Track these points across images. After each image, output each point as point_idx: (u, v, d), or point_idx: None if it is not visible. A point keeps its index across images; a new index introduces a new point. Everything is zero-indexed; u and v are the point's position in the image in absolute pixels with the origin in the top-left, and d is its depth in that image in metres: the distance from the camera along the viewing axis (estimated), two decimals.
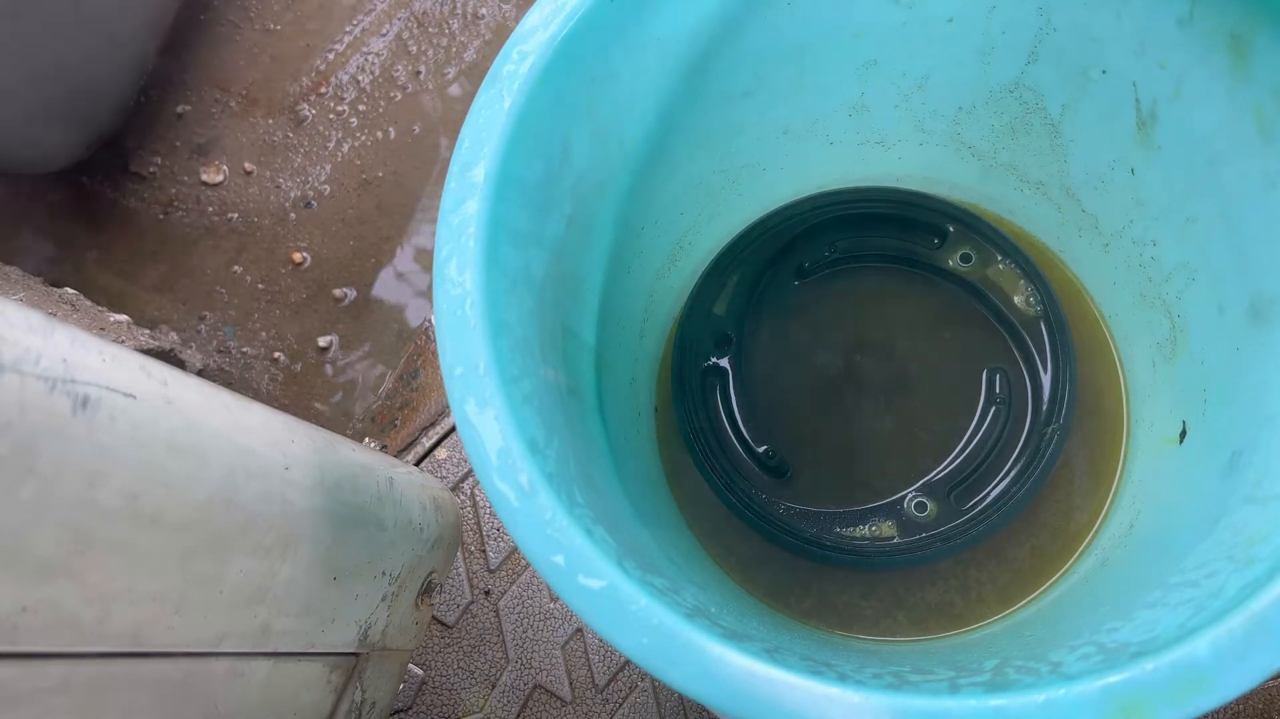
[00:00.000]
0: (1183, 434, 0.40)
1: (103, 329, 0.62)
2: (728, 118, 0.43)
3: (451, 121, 0.77)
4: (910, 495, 0.45)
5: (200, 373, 0.68)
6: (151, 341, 0.64)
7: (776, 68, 0.42)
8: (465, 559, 0.61)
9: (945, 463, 0.46)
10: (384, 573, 0.44)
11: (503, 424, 0.29)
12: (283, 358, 0.72)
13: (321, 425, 0.44)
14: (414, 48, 0.79)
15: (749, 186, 0.48)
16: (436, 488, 0.51)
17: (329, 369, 0.71)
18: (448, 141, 0.76)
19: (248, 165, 0.77)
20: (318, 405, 0.70)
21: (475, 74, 0.78)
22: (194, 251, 0.76)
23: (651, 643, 0.26)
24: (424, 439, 0.65)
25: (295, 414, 0.43)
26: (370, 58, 0.79)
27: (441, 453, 0.64)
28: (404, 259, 0.74)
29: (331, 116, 0.78)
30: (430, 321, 0.69)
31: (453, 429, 0.64)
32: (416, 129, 0.77)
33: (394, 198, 0.76)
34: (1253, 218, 0.36)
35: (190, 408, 0.31)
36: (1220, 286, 0.38)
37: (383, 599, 0.45)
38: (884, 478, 0.46)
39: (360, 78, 0.79)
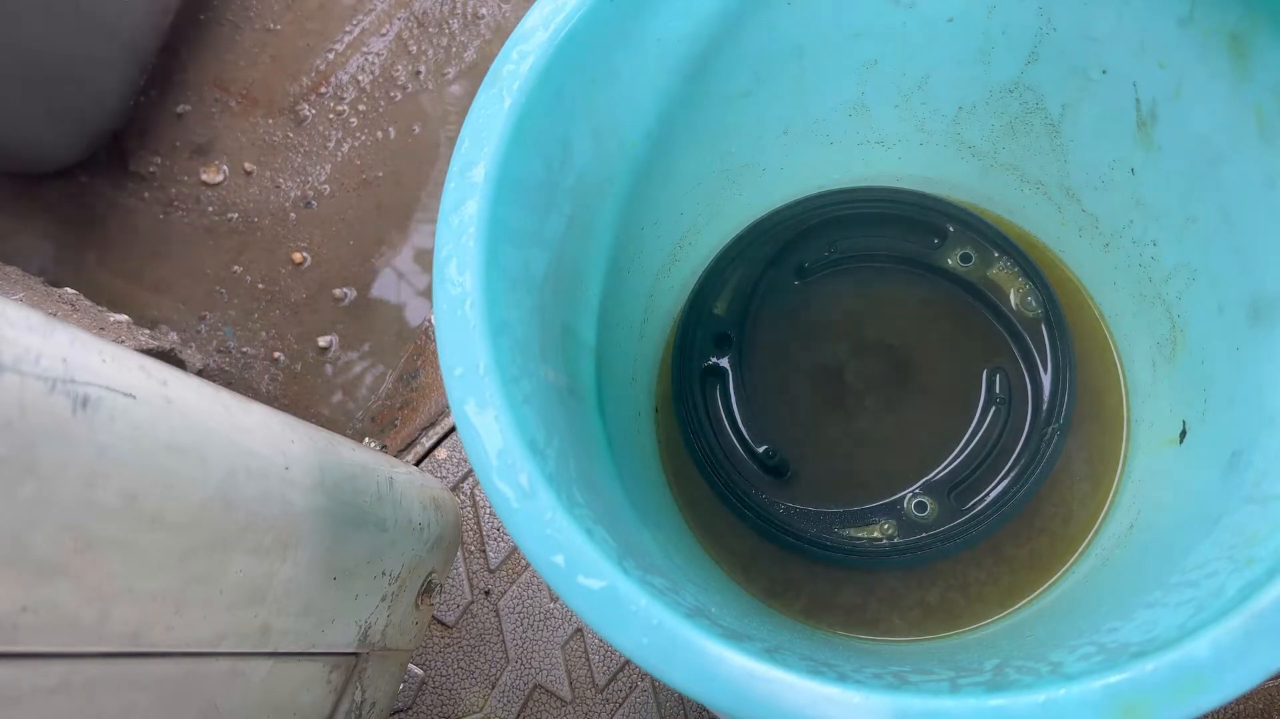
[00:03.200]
0: (1183, 434, 0.40)
1: (102, 329, 0.62)
2: (728, 117, 0.43)
3: (451, 121, 0.77)
4: (910, 495, 0.45)
5: (200, 373, 0.68)
6: (151, 341, 0.64)
7: (776, 68, 0.42)
8: (465, 559, 0.61)
9: (945, 463, 0.46)
10: (384, 573, 0.44)
11: (502, 424, 0.29)
12: (283, 358, 0.72)
13: (321, 425, 0.44)
14: (414, 48, 0.79)
15: (749, 186, 0.48)
16: (436, 488, 0.51)
17: (329, 369, 0.71)
18: (448, 141, 0.76)
19: (248, 165, 0.77)
20: (318, 405, 0.70)
21: (475, 74, 0.78)
22: (194, 251, 0.76)
23: (651, 643, 0.26)
24: (424, 439, 0.65)
25: (295, 414, 0.43)
26: (370, 58, 0.79)
27: (441, 453, 0.64)
28: (404, 259, 0.74)
29: (331, 116, 0.78)
30: (430, 321, 0.68)
31: (453, 429, 0.64)
32: (416, 129, 0.77)
33: (394, 198, 0.75)
34: (1253, 218, 0.36)
35: (190, 408, 0.31)
36: (1220, 287, 0.38)
37: (383, 599, 0.45)
38: (884, 478, 0.46)
39: (360, 78, 0.79)
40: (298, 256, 0.74)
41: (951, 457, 0.46)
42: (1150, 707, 0.25)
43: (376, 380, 0.70)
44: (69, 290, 0.67)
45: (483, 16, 0.79)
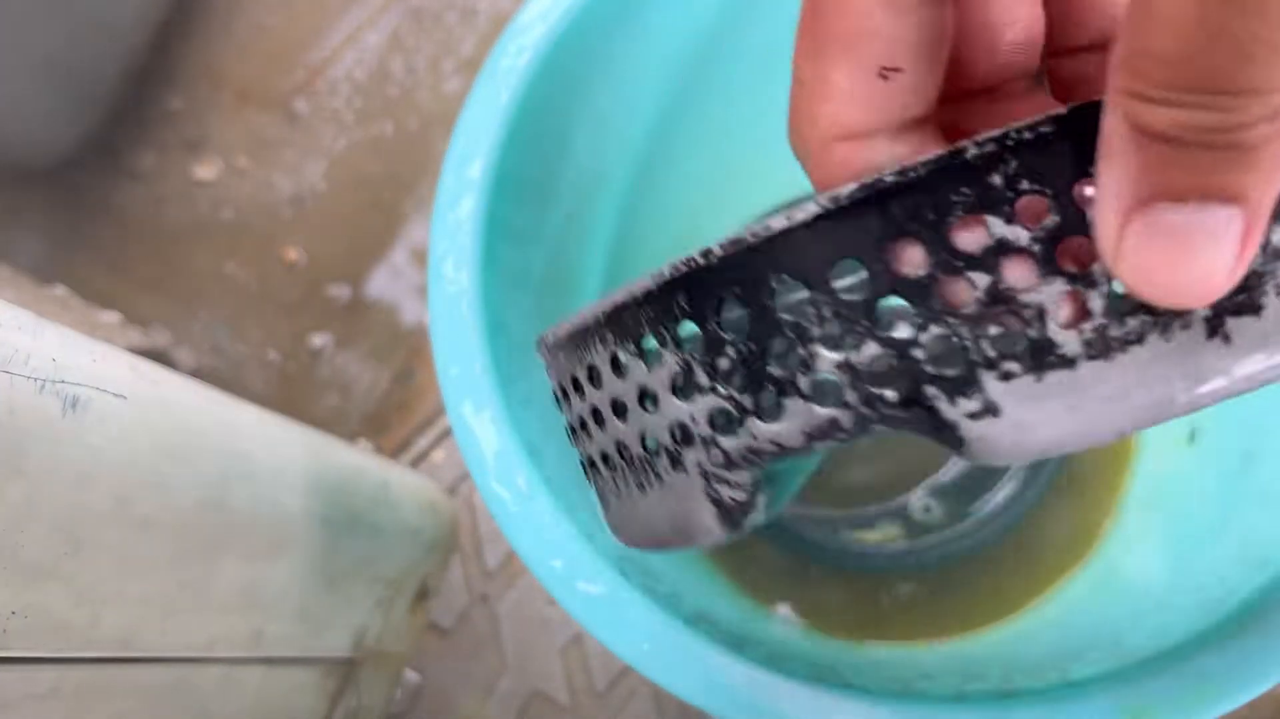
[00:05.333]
0: (1193, 434, 0.39)
1: (93, 328, 0.62)
2: (729, 111, 0.43)
3: (448, 117, 0.76)
4: (916, 497, 0.45)
5: (192, 373, 0.68)
6: (143, 341, 0.63)
7: (780, 60, 0.42)
8: (462, 563, 0.60)
9: (951, 464, 0.45)
10: (379, 577, 0.44)
11: (500, 426, 0.28)
12: (276, 357, 0.71)
13: (315, 426, 0.44)
14: (410, 42, 0.79)
15: (752, 182, 0.48)
16: (433, 490, 0.51)
17: (323, 369, 0.71)
18: (444, 137, 0.76)
19: (241, 162, 0.77)
20: (311, 406, 0.70)
21: (473, 68, 0.77)
22: (186, 249, 0.75)
23: (652, 649, 0.26)
24: (420, 440, 0.64)
25: (289, 415, 0.42)
26: (366, 52, 0.79)
27: (438, 455, 0.64)
28: (400, 257, 0.74)
29: (326, 112, 0.77)
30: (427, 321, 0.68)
31: (449, 430, 0.64)
32: (413, 124, 0.77)
33: (390, 195, 0.75)
34: None
35: (182, 409, 0.30)
36: None
37: (378, 604, 0.44)
38: (889, 480, 0.45)
39: (355, 73, 0.78)
40: (292, 254, 0.74)
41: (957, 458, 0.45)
42: (1158, 714, 0.25)
43: (372, 381, 0.70)
44: (59, 289, 0.66)
45: (480, 10, 0.79)
